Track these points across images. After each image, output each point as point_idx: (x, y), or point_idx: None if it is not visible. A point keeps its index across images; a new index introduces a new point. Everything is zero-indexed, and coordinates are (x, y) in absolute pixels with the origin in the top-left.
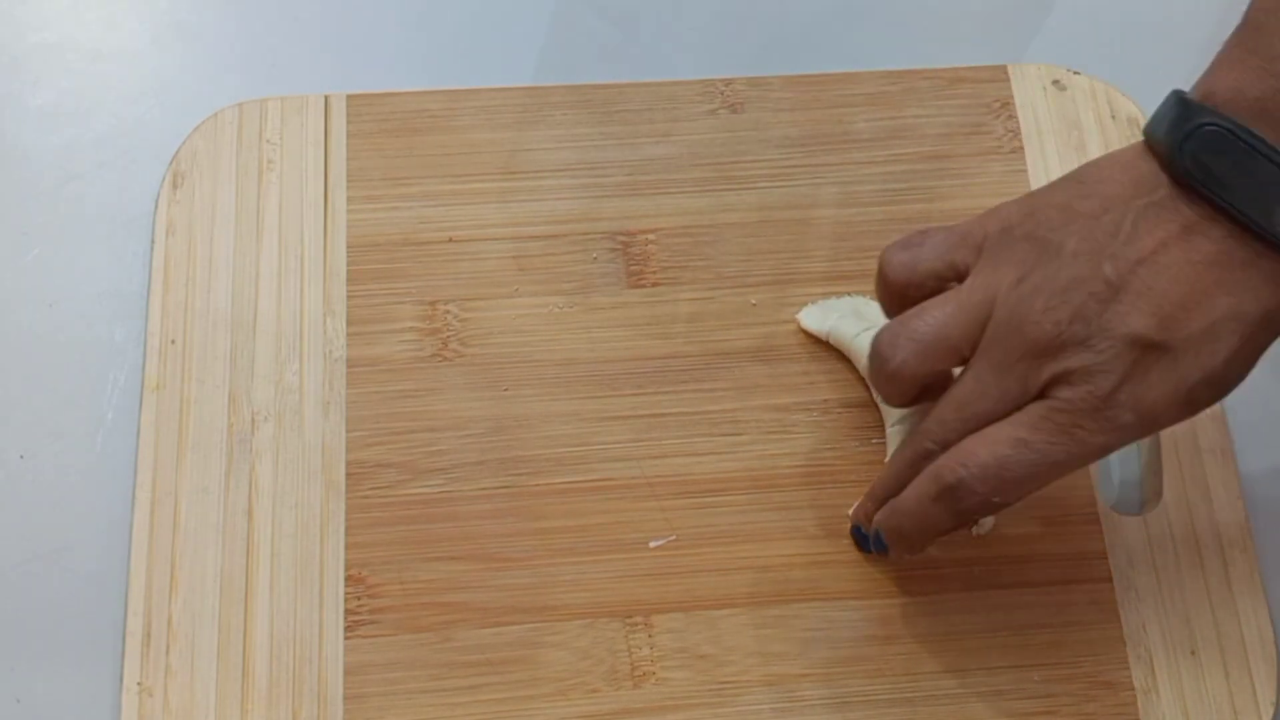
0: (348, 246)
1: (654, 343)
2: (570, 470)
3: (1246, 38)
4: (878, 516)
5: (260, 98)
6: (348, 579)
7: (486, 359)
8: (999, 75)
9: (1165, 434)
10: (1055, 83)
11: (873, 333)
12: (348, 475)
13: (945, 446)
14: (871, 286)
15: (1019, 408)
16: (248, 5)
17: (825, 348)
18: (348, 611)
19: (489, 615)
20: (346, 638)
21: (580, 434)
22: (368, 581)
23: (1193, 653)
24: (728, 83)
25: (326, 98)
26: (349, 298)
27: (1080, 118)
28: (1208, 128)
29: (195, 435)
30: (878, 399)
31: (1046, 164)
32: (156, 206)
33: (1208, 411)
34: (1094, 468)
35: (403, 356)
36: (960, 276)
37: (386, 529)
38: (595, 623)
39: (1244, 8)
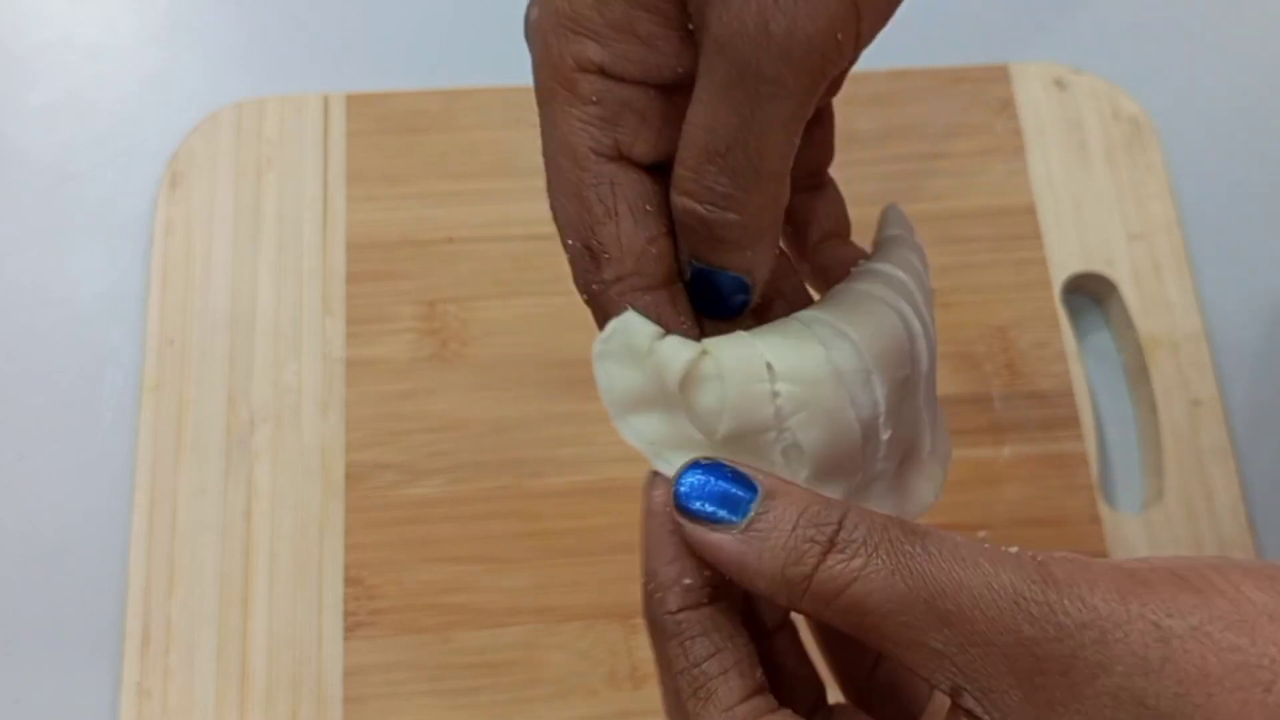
0: (346, 246)
1: None
2: (570, 471)
3: None
4: None
5: (259, 97)
6: (347, 580)
7: (486, 359)
8: (1000, 74)
9: (1166, 433)
10: (1057, 82)
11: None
12: (346, 476)
13: None
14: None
15: None
16: (246, 5)
17: None
18: (347, 613)
19: (488, 617)
20: (345, 639)
21: (580, 434)
22: (367, 582)
23: None
24: None
25: (325, 97)
26: (348, 298)
27: (1082, 117)
28: None
29: (193, 436)
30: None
31: (1048, 164)
32: (155, 206)
33: (1208, 410)
34: (1094, 466)
35: (402, 357)
36: None
37: (385, 530)
38: (595, 624)
39: (1247, 6)
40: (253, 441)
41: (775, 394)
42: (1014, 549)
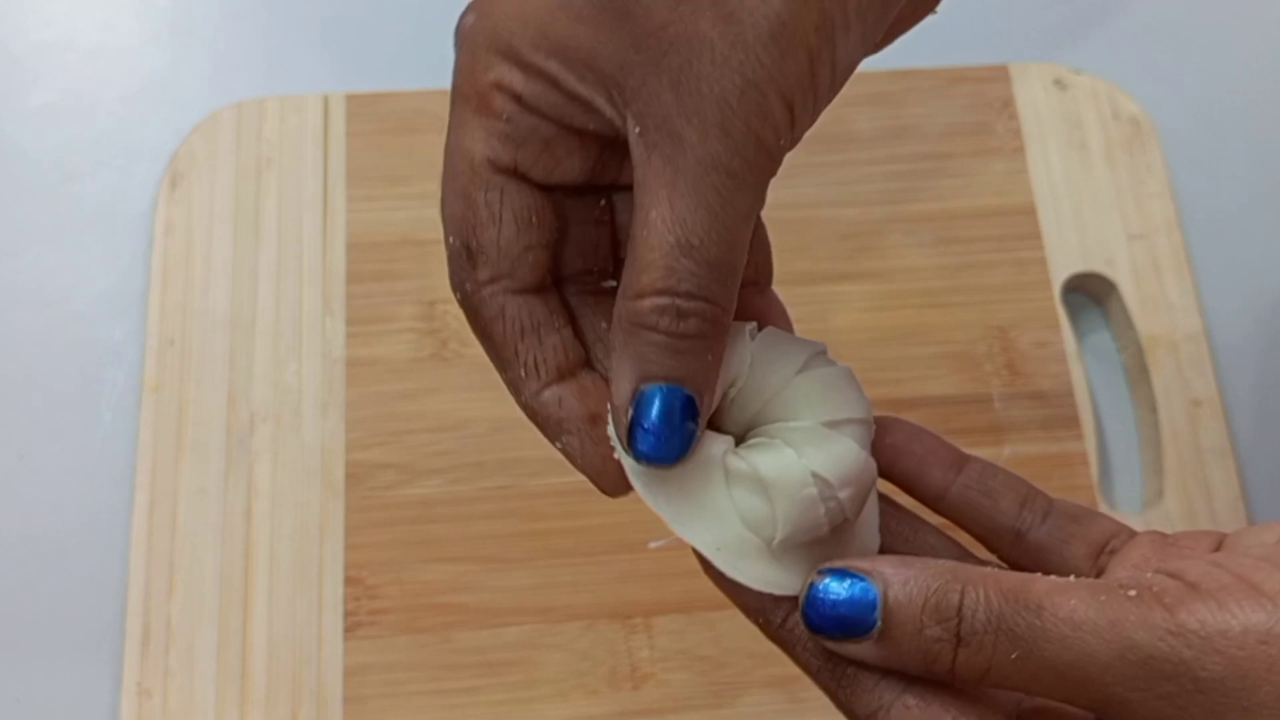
0: (346, 246)
1: None
2: (570, 471)
3: None
4: None
5: (259, 97)
6: (347, 580)
7: (486, 359)
8: (1000, 74)
9: (1166, 433)
10: (1057, 82)
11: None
12: (347, 476)
13: None
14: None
15: None
16: (247, 5)
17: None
18: (347, 613)
19: (488, 616)
20: (345, 639)
21: None
22: (367, 582)
23: None
24: None
25: (325, 97)
26: (348, 298)
27: (1082, 117)
28: None
29: (194, 436)
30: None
31: (1048, 164)
32: (155, 206)
33: (1208, 410)
34: (1095, 466)
35: (402, 356)
36: None
37: (385, 530)
38: (595, 624)
39: (1247, 6)
40: (253, 441)
41: (827, 498)
42: (1133, 591)
